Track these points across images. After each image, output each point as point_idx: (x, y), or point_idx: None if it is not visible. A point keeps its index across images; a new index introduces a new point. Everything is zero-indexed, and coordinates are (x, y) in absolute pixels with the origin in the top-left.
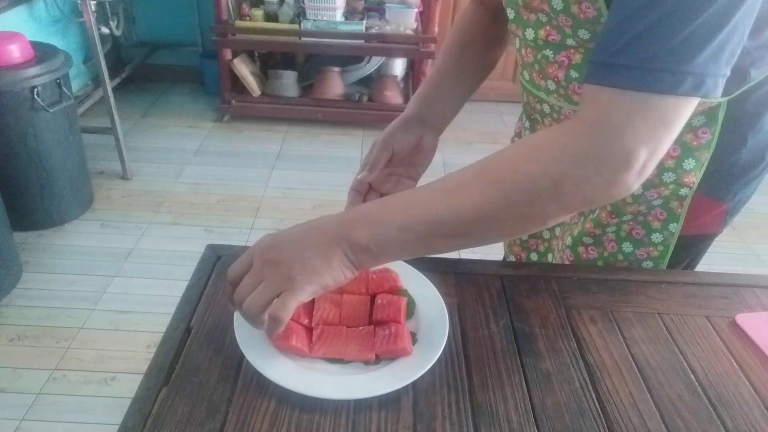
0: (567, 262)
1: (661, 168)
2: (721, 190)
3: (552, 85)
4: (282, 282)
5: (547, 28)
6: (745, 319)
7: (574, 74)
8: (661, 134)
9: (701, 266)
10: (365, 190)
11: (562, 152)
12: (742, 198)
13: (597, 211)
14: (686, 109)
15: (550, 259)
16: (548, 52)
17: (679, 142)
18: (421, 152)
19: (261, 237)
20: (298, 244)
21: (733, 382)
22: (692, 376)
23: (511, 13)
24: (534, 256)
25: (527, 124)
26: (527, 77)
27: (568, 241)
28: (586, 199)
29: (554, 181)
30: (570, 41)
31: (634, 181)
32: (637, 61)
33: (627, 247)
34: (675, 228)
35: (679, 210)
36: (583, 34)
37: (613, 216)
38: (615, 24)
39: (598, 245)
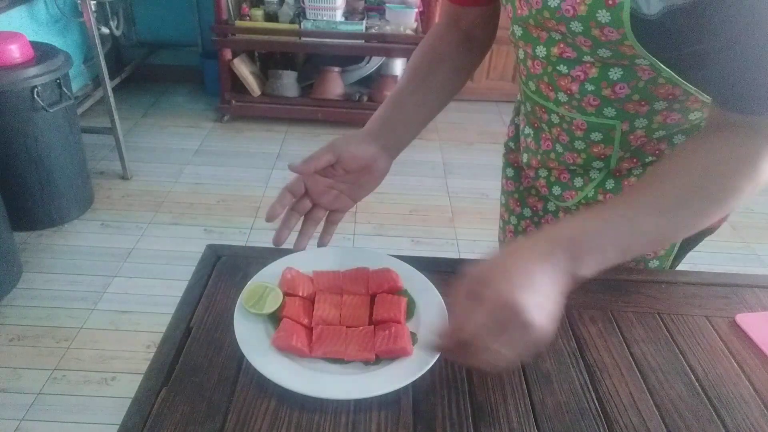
0: None
1: None
2: None
3: (564, 97)
4: (522, 341)
5: (561, 45)
6: (745, 319)
7: (589, 87)
8: None
9: (701, 266)
10: (300, 193)
11: (763, 162)
12: None
13: None
14: None
15: None
16: (562, 68)
17: None
18: (370, 174)
19: (480, 271)
20: (531, 294)
21: (733, 382)
22: (692, 376)
23: (518, 30)
24: None
25: (527, 131)
26: (533, 88)
27: None
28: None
29: (756, 187)
30: (587, 58)
31: None
32: None
33: None
34: None
35: None
36: (603, 53)
37: None
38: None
39: None
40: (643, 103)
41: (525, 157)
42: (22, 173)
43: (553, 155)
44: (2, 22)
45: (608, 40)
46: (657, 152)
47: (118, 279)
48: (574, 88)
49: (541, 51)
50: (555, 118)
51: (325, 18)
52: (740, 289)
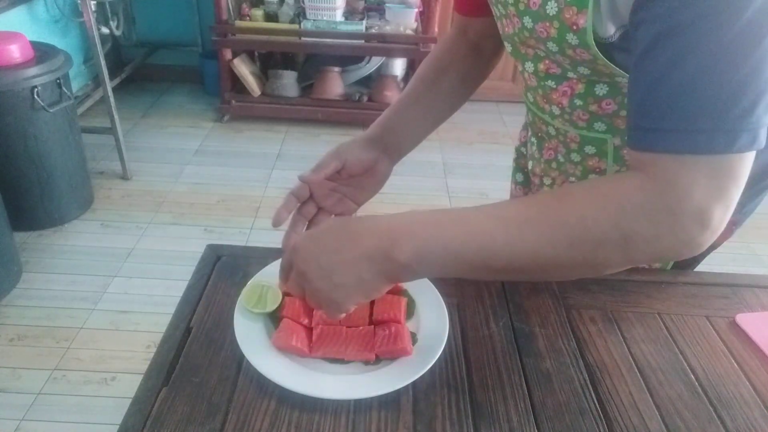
0: None
1: None
2: None
3: (557, 110)
4: (321, 301)
5: (547, 62)
6: (745, 319)
7: (578, 102)
8: (732, 188)
9: (701, 266)
10: (305, 198)
11: (635, 208)
12: (750, 209)
13: None
14: (749, 160)
15: None
16: (550, 83)
17: None
18: (373, 177)
19: (302, 237)
20: (331, 260)
21: (733, 382)
22: (692, 376)
23: (508, 47)
24: None
25: (533, 140)
26: (531, 99)
27: None
28: (655, 255)
29: (624, 235)
30: (571, 74)
31: (709, 239)
32: (684, 124)
33: None
34: None
35: None
36: (583, 70)
37: None
38: (649, 85)
39: None
40: None
41: (530, 164)
42: (22, 173)
43: (554, 165)
44: (2, 22)
45: (583, 59)
46: None
47: (118, 279)
48: (564, 102)
49: (529, 66)
50: (552, 130)
51: (325, 18)
52: (740, 289)
